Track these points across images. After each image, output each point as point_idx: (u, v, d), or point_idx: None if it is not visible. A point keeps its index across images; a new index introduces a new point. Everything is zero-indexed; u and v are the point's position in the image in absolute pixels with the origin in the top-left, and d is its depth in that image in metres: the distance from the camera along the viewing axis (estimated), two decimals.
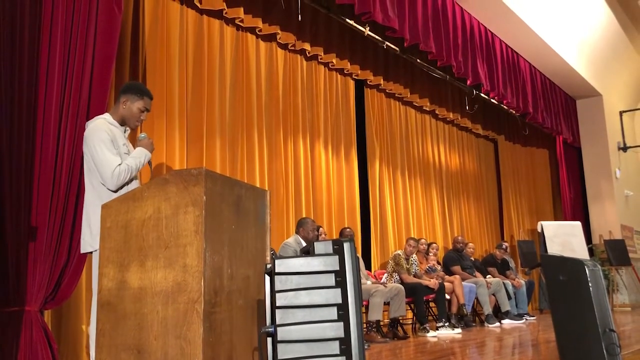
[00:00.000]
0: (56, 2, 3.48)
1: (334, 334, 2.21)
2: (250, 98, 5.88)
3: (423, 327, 6.29)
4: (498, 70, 8.23)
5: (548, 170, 11.85)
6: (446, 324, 6.42)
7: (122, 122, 3.13)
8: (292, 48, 6.46)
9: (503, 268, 8.59)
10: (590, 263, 3.46)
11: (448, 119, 9.43)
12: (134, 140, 3.24)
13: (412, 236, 7.51)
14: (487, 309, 7.38)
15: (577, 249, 8.99)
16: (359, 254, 6.69)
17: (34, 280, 3.21)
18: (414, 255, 6.93)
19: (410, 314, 6.93)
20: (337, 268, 2.29)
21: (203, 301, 2.17)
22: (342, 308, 2.24)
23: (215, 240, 2.30)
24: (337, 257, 2.30)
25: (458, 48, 7.22)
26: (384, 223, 7.66)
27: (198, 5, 5.32)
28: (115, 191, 2.91)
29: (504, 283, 7.85)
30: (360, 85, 7.72)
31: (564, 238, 9.05)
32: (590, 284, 3.32)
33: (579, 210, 11.38)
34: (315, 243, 2.37)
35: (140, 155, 3.03)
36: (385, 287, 6.03)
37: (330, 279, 2.28)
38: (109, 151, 2.91)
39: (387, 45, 7.04)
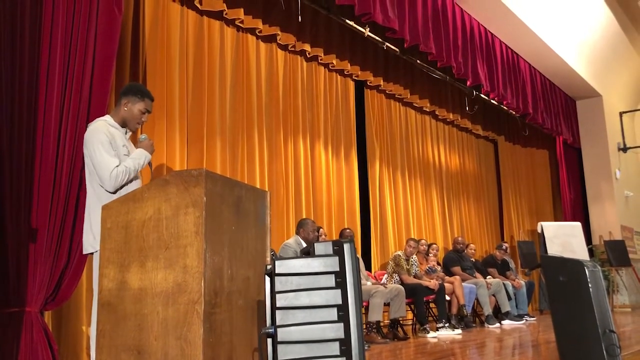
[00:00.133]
0: (56, 3, 3.48)
1: (334, 335, 2.22)
2: (251, 99, 5.88)
3: (423, 327, 6.29)
4: (498, 71, 8.23)
5: (548, 171, 11.85)
6: (446, 325, 6.43)
7: (123, 124, 3.13)
8: (292, 49, 6.47)
9: (503, 269, 8.59)
10: (590, 264, 3.47)
11: (448, 120, 9.44)
12: (136, 142, 3.25)
13: (412, 237, 7.51)
14: (487, 310, 7.38)
15: (577, 249, 8.99)
16: (359, 255, 6.69)
17: (34, 281, 3.21)
18: (414, 256, 6.93)
19: (410, 315, 6.93)
20: (337, 269, 2.29)
21: (203, 302, 2.18)
22: (342, 309, 2.24)
23: (215, 241, 2.30)
24: (337, 258, 2.30)
25: (458, 49, 7.22)
26: (384, 224, 7.66)
27: (198, 6, 5.32)
28: (114, 192, 2.91)
29: (504, 284, 7.85)
30: (360, 86, 7.73)
31: (564, 239, 9.05)
32: (590, 285, 3.32)
33: (579, 211, 11.38)
34: (315, 244, 2.37)
35: (139, 157, 3.03)
36: (386, 287, 6.03)
37: (331, 280, 2.28)
38: (106, 153, 2.91)
39: (387, 46, 7.04)
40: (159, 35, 5.02)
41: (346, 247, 2.31)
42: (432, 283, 6.52)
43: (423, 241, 7.35)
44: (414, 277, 6.71)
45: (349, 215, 7.01)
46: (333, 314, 2.25)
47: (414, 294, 6.33)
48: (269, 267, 2.35)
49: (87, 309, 4.00)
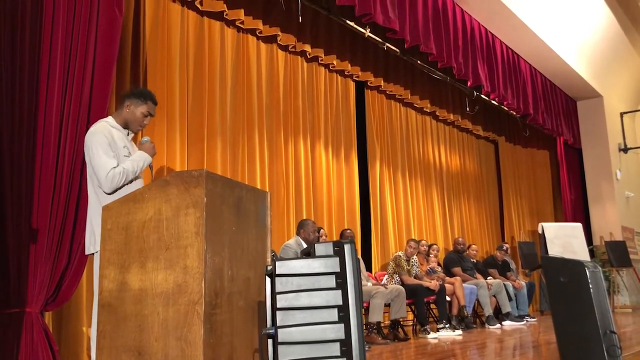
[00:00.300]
0: (57, 5, 3.48)
1: (334, 336, 2.21)
2: (251, 99, 5.88)
3: (424, 328, 6.28)
4: (498, 72, 8.23)
5: (549, 172, 11.85)
6: (447, 326, 6.42)
7: (125, 125, 3.15)
8: (293, 50, 6.47)
9: (504, 269, 8.58)
10: (590, 264, 3.47)
11: (449, 121, 9.43)
12: (138, 143, 3.25)
13: (413, 237, 7.51)
14: (488, 311, 7.38)
15: (578, 250, 8.98)
16: (359, 256, 6.69)
17: (34, 282, 3.21)
18: (415, 257, 6.93)
19: (410, 316, 6.92)
20: (338, 270, 2.29)
21: (204, 303, 2.18)
22: (343, 310, 2.24)
23: (215, 241, 2.30)
24: (337, 258, 2.30)
25: (458, 49, 7.22)
26: (385, 224, 7.66)
27: (199, 7, 5.32)
28: (110, 193, 2.92)
29: (504, 284, 7.84)
30: (360, 87, 7.73)
31: (564, 239, 9.04)
32: (590, 286, 3.32)
33: (580, 212, 11.37)
34: (315, 245, 2.37)
35: (139, 159, 3.03)
36: (386, 288, 6.03)
37: (331, 281, 2.28)
38: (105, 154, 2.92)
39: (387, 46, 7.04)
40: (160, 36, 5.02)
41: (347, 247, 2.31)
42: (433, 284, 6.51)
43: (423, 242, 7.35)
44: (415, 277, 6.70)
45: (349, 216, 7.00)
46: (334, 314, 2.24)
47: (415, 294, 6.33)
48: (269, 267, 2.35)
49: (87, 309, 4.00)
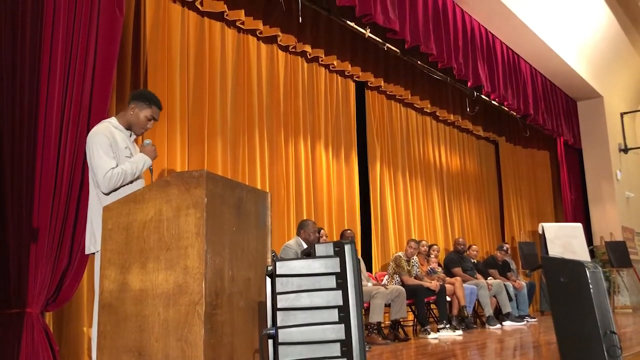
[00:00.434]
0: (57, 4, 3.48)
1: (335, 336, 2.22)
2: (251, 100, 5.88)
3: (424, 329, 6.28)
4: (499, 72, 8.23)
5: (549, 172, 11.85)
6: (447, 326, 6.42)
7: (128, 128, 3.16)
8: (293, 50, 6.47)
9: (504, 270, 8.58)
10: (591, 265, 3.47)
11: (449, 121, 9.44)
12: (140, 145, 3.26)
13: (413, 238, 7.51)
14: (488, 311, 7.38)
15: (578, 250, 8.98)
16: (359, 256, 6.69)
17: (35, 282, 3.21)
18: (415, 257, 6.93)
19: (411, 316, 6.92)
20: (338, 270, 2.29)
21: (204, 303, 2.18)
22: (343, 310, 2.24)
23: (216, 242, 2.30)
24: (337, 259, 2.30)
25: (459, 50, 7.22)
26: (385, 225, 7.66)
27: (199, 7, 5.33)
28: (108, 194, 2.92)
29: (505, 285, 7.84)
30: (361, 87, 7.73)
31: (564, 240, 9.04)
32: (591, 286, 3.32)
33: (580, 212, 11.37)
34: (316, 245, 2.37)
35: (139, 161, 3.04)
36: (386, 289, 6.03)
37: (331, 281, 2.29)
38: (105, 154, 2.93)
39: (387, 47, 7.04)
40: (160, 36, 5.03)
41: (347, 248, 2.31)
42: (433, 284, 6.51)
43: (424, 242, 7.35)
44: (415, 278, 6.70)
45: (349, 216, 7.01)
46: (334, 315, 2.25)
47: (415, 295, 6.33)
48: (269, 268, 2.35)
49: (88, 309, 4.01)
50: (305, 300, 2.25)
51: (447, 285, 6.83)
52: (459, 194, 9.58)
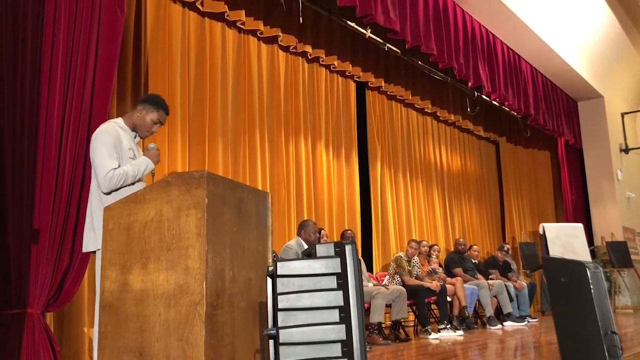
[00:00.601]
0: (58, 5, 3.49)
1: (335, 337, 2.22)
2: (252, 100, 5.89)
3: (425, 329, 6.28)
4: (499, 72, 8.23)
5: (550, 172, 11.84)
6: (448, 326, 6.42)
7: (134, 129, 3.17)
8: (294, 50, 6.47)
9: (505, 270, 8.58)
10: (591, 265, 3.47)
11: (449, 121, 9.44)
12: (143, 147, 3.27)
13: (414, 238, 7.51)
14: (489, 311, 7.37)
15: (579, 250, 8.97)
16: (360, 256, 6.68)
17: (36, 282, 3.21)
18: (416, 257, 6.93)
19: (412, 316, 6.92)
20: (339, 270, 2.29)
21: (205, 303, 2.18)
22: (344, 310, 2.24)
23: (217, 242, 2.30)
24: (338, 259, 2.30)
25: (459, 50, 7.22)
26: (386, 225, 7.66)
27: (200, 8, 5.33)
28: (108, 194, 2.93)
29: (505, 285, 7.84)
30: (361, 88, 7.73)
31: (565, 240, 9.03)
32: (591, 286, 3.32)
33: (581, 212, 11.37)
34: (317, 245, 2.37)
35: (141, 164, 3.05)
36: (387, 289, 6.03)
37: (332, 282, 2.28)
38: (107, 154, 2.93)
39: (388, 47, 7.04)
40: (161, 36, 5.03)
41: (348, 248, 2.31)
42: (434, 284, 6.51)
43: (424, 242, 7.34)
44: (416, 278, 6.70)
45: (350, 217, 7.01)
46: (335, 315, 2.25)
47: (416, 295, 6.32)
48: (270, 268, 2.35)
49: (89, 310, 4.01)
50: (306, 300, 2.25)
51: (447, 286, 6.82)
52: (459, 194, 9.58)
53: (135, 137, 3.20)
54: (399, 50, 7.19)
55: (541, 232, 9.31)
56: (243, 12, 5.63)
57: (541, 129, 10.24)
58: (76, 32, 3.57)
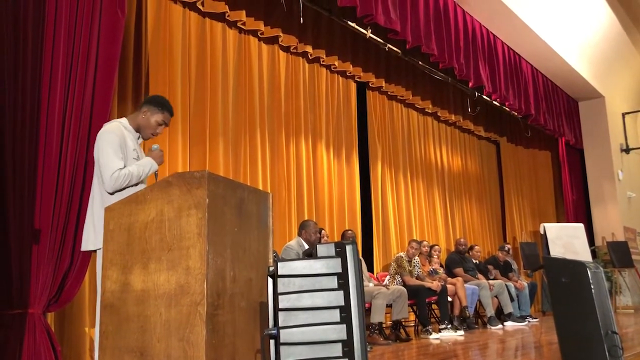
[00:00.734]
0: (59, 5, 3.49)
1: (336, 337, 2.22)
2: (253, 100, 5.89)
3: (425, 329, 6.28)
4: (500, 72, 8.23)
5: (550, 172, 11.84)
6: (449, 326, 6.42)
7: (138, 130, 3.18)
8: (294, 51, 6.48)
9: (505, 270, 8.58)
10: (592, 265, 3.47)
11: (450, 121, 9.44)
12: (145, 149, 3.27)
13: (414, 238, 7.51)
14: (490, 311, 7.37)
15: (580, 250, 8.98)
16: (360, 256, 6.68)
17: (37, 282, 3.22)
18: (416, 258, 6.93)
19: (412, 316, 6.92)
20: (340, 270, 2.29)
21: (206, 303, 2.18)
22: (345, 310, 2.24)
23: (217, 242, 2.31)
24: (339, 259, 2.31)
25: (460, 50, 7.22)
26: (386, 225, 7.66)
27: (200, 8, 5.33)
28: (112, 194, 2.93)
29: (506, 285, 7.84)
30: (362, 88, 7.73)
31: (566, 240, 9.03)
32: (592, 286, 3.32)
33: (582, 212, 11.36)
34: (317, 245, 2.37)
35: (146, 165, 3.05)
36: (388, 289, 6.03)
37: (333, 282, 2.29)
38: (114, 154, 2.94)
39: (389, 47, 7.04)
40: (162, 37, 5.03)
41: (348, 248, 2.31)
42: (435, 284, 6.51)
43: (425, 242, 7.35)
44: (416, 278, 6.71)
45: (350, 217, 7.01)
46: (335, 315, 2.25)
47: (416, 295, 6.32)
48: (271, 268, 2.35)
49: (90, 310, 4.01)
50: (306, 300, 2.25)
51: (448, 286, 6.83)
52: (460, 195, 9.58)
53: (138, 138, 3.20)
54: (399, 51, 7.20)
55: (542, 232, 9.33)
56: (244, 12, 5.64)
57: (542, 129, 10.24)
58: (77, 32, 3.58)
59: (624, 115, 12.17)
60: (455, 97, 9.29)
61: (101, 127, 3.13)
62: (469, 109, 9.16)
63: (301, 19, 5.92)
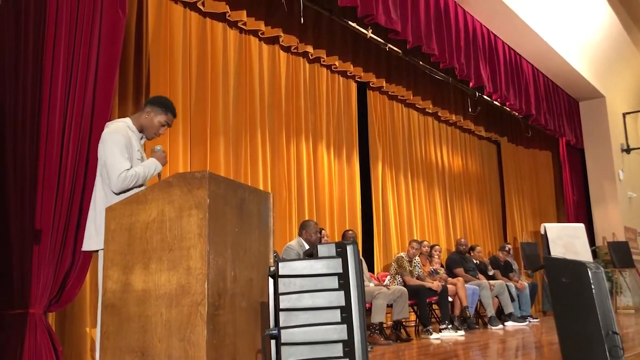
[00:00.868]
0: (60, 5, 3.49)
1: (337, 337, 2.22)
2: (253, 100, 5.89)
3: (426, 329, 6.28)
4: (501, 72, 8.23)
5: (551, 172, 11.83)
6: (449, 326, 6.42)
7: (141, 131, 3.18)
8: (295, 50, 6.48)
9: (506, 270, 8.58)
10: (592, 265, 3.47)
11: (451, 121, 9.43)
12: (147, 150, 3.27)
13: (415, 238, 7.51)
14: (490, 311, 7.37)
15: (581, 251, 8.98)
16: (361, 256, 6.68)
17: (38, 282, 3.22)
18: (417, 258, 6.93)
19: (413, 316, 6.92)
20: (340, 271, 2.30)
21: (207, 304, 2.18)
22: (345, 310, 2.25)
23: (218, 242, 2.31)
24: (340, 259, 2.31)
25: (461, 50, 7.22)
26: (387, 225, 7.66)
27: (201, 8, 5.33)
28: (118, 194, 2.93)
29: (507, 285, 7.84)
30: (362, 88, 7.73)
31: (567, 240, 9.03)
32: (592, 286, 3.32)
33: (582, 212, 11.36)
34: (318, 246, 2.38)
35: (150, 166, 3.06)
36: (388, 289, 6.03)
37: (334, 282, 2.29)
38: (120, 155, 2.94)
39: (389, 47, 7.04)
40: (162, 37, 5.04)
41: (349, 248, 2.32)
42: (435, 284, 6.51)
43: (426, 242, 7.34)
44: (417, 278, 6.71)
45: (351, 217, 7.01)
46: (336, 315, 2.25)
47: (417, 295, 6.32)
48: (272, 268, 2.35)
49: (91, 310, 4.02)
50: (307, 300, 2.26)
51: (449, 286, 6.82)
52: (461, 195, 9.58)
53: (141, 139, 3.21)
54: (400, 51, 7.19)
55: (542, 232, 9.33)
56: (244, 12, 5.64)
57: (542, 129, 10.24)
58: (78, 32, 3.58)
59: (624, 115, 12.17)
60: (455, 97, 9.28)
61: (102, 126, 3.13)
62: (470, 109, 9.16)
63: (302, 19, 5.92)
